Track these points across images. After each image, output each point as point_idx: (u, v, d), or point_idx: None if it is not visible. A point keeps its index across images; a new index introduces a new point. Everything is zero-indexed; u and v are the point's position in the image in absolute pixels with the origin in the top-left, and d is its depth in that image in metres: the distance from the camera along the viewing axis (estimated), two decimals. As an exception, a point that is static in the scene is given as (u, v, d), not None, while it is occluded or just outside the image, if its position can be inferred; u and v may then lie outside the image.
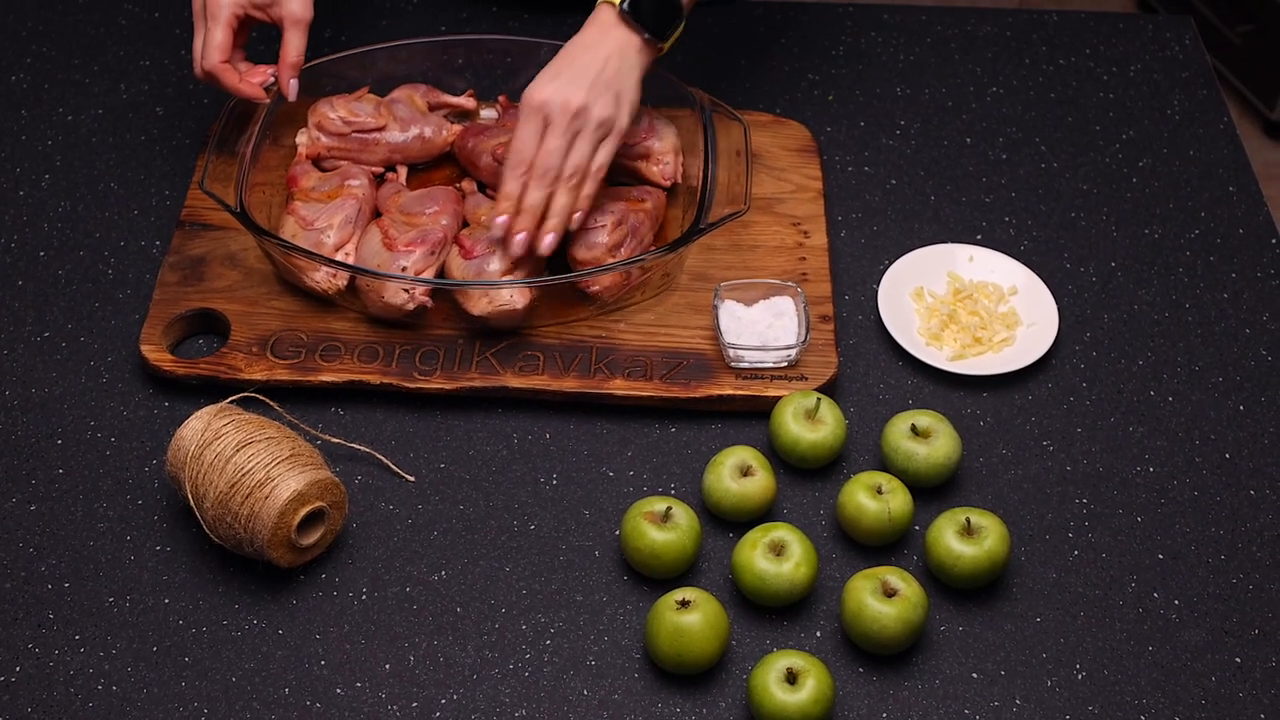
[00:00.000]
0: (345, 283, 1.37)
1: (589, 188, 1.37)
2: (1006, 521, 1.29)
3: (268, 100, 1.44)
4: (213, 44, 1.42)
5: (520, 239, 1.36)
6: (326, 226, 1.40)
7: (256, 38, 1.71)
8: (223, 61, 1.42)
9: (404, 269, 1.37)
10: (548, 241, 1.36)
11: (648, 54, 1.39)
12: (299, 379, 1.35)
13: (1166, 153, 1.64)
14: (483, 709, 1.17)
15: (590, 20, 1.39)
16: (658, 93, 1.47)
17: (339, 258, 1.39)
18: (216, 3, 1.41)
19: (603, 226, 1.40)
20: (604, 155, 1.37)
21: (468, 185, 1.51)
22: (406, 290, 1.35)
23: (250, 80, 1.44)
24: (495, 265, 1.37)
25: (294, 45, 1.43)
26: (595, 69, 1.35)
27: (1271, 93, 3.09)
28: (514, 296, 1.35)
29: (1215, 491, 1.33)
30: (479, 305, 1.36)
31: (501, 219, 1.36)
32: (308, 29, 1.43)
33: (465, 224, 1.45)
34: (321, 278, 1.37)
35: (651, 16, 1.38)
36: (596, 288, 1.38)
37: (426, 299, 1.36)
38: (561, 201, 1.36)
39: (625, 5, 1.37)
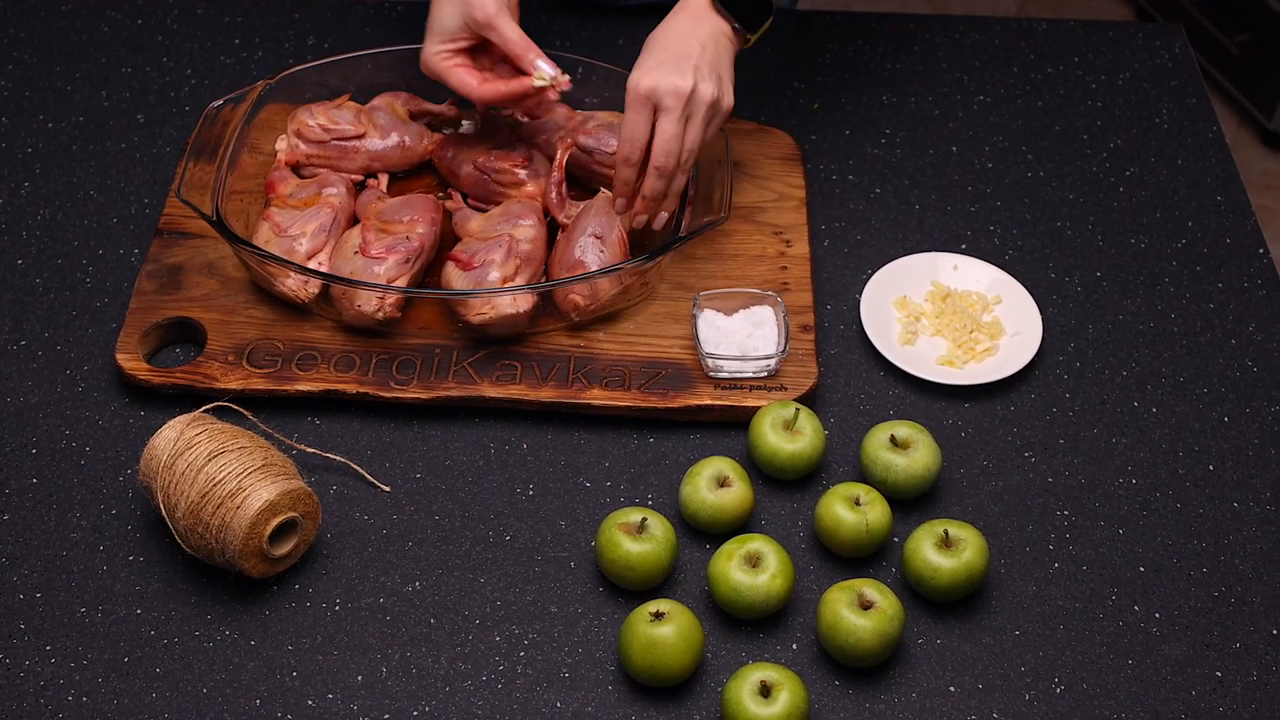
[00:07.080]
0: (317, 290, 1.36)
1: None
2: (986, 533, 1.27)
3: (549, 93, 1.41)
4: (464, 90, 1.41)
5: (641, 219, 1.41)
6: (300, 234, 1.39)
7: (257, 59, 1.70)
8: (483, 84, 1.41)
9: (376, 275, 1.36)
10: (662, 218, 1.42)
11: (736, 44, 1.40)
12: (275, 388, 1.34)
13: (1154, 161, 1.63)
14: (454, 721, 1.16)
15: (679, 7, 1.40)
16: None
17: (312, 266, 1.38)
18: (427, 66, 1.42)
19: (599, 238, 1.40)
20: (713, 133, 1.39)
21: (454, 201, 1.50)
22: (379, 298, 1.34)
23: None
24: (495, 275, 1.36)
25: (507, 35, 1.39)
26: (695, 53, 1.35)
27: (1269, 102, 3.07)
28: (517, 301, 1.34)
29: (1198, 504, 1.32)
30: (479, 312, 1.35)
31: (620, 201, 1.41)
32: (511, 17, 1.40)
33: (457, 239, 1.44)
34: (294, 284, 1.36)
35: (743, 6, 1.39)
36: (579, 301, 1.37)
37: (396, 311, 1.35)
38: (679, 183, 1.39)
39: None
